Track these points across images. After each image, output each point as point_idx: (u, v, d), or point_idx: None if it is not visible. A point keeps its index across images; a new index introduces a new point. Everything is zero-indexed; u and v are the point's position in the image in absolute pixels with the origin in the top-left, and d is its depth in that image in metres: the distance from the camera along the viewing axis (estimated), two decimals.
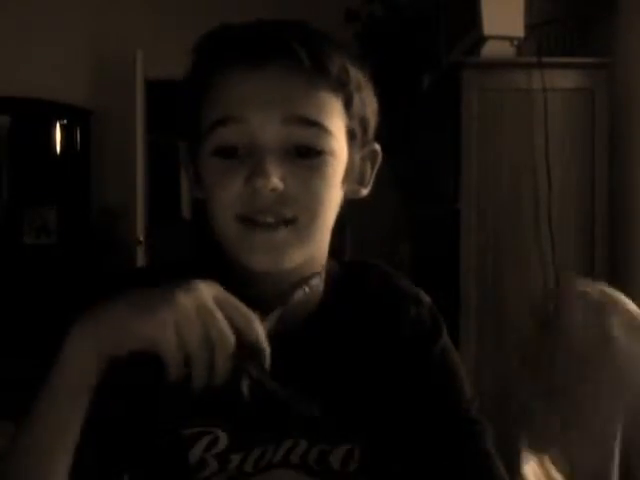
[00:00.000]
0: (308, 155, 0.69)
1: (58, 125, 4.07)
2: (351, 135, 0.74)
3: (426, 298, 0.83)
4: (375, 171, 0.79)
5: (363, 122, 0.75)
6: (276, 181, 0.67)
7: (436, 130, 2.41)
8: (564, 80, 2.11)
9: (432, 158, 2.46)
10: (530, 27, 2.16)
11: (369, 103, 0.75)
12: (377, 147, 0.79)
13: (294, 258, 0.71)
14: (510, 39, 2.12)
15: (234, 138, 0.69)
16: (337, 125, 0.71)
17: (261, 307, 0.68)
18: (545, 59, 2.08)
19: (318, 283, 0.75)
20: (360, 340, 0.77)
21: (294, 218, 0.69)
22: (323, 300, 0.77)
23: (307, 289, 0.73)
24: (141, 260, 3.69)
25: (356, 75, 0.73)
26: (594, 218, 2.12)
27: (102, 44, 4.17)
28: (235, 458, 0.72)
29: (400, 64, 2.88)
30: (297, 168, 0.69)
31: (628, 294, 2.16)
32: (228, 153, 0.70)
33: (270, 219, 0.69)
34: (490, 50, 2.13)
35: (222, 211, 0.70)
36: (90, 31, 4.15)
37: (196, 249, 0.81)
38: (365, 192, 0.79)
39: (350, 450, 0.74)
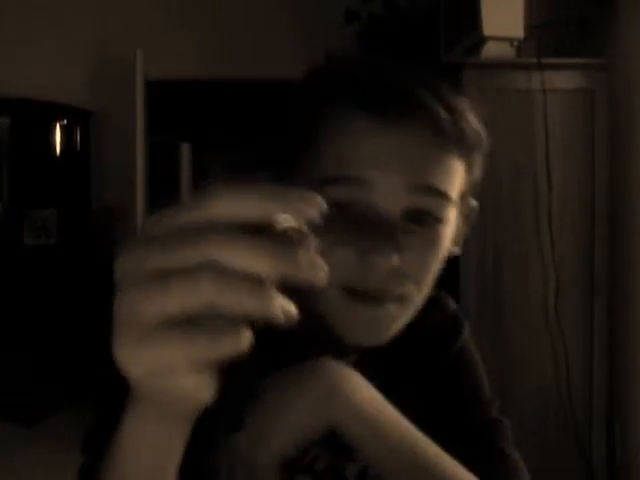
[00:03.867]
0: (424, 222, 0.63)
1: (58, 125, 4.06)
2: (461, 197, 0.68)
3: (451, 305, 0.83)
4: (468, 228, 0.73)
5: (474, 183, 0.70)
6: (396, 259, 0.61)
7: None
8: (564, 81, 2.11)
9: None
10: (530, 28, 2.16)
11: (482, 159, 0.70)
12: (475, 203, 0.73)
13: (395, 331, 0.66)
14: (510, 40, 2.13)
15: (349, 198, 0.61)
16: (457, 191, 0.66)
17: (328, 338, 0.65)
18: (545, 60, 2.08)
19: None
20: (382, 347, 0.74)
21: (403, 293, 0.64)
22: None
23: None
24: None
25: (479, 130, 0.67)
26: (594, 218, 2.12)
27: (102, 44, 4.16)
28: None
29: None
30: (414, 240, 0.63)
31: (628, 294, 2.17)
32: (336, 209, 0.61)
33: (380, 295, 0.63)
34: (490, 51, 2.13)
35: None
36: (90, 31, 4.15)
37: None
38: (457, 251, 0.72)
39: (364, 467, 0.73)
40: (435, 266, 0.66)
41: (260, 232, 0.34)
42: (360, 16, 3.19)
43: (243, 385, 0.40)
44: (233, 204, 0.34)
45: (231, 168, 3.82)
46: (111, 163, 4.19)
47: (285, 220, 0.35)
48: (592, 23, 2.34)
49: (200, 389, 0.37)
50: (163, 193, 4.16)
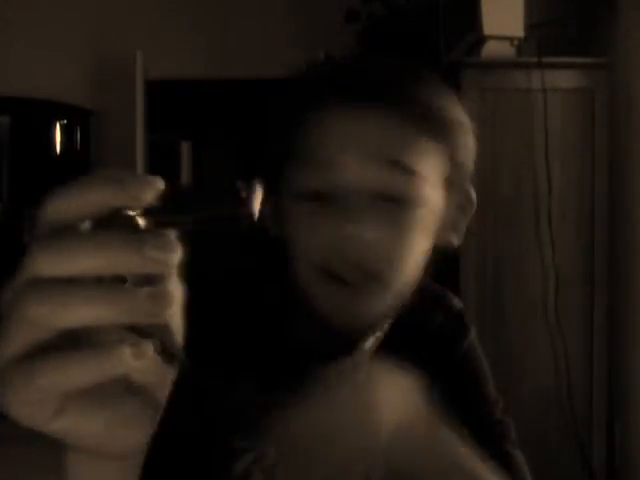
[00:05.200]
0: (399, 204, 0.64)
1: (58, 125, 4.06)
2: (448, 183, 0.69)
3: (457, 304, 0.84)
4: (469, 219, 0.73)
5: (462, 168, 0.70)
6: (369, 230, 0.62)
7: None
8: (564, 80, 2.11)
9: None
10: (530, 27, 2.16)
11: (469, 147, 0.70)
12: (473, 194, 0.73)
13: (374, 313, 0.67)
14: (510, 39, 2.12)
15: (324, 181, 0.64)
16: (435, 173, 0.66)
17: (325, 341, 0.66)
18: (545, 59, 2.08)
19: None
20: (387, 345, 0.75)
21: (379, 272, 0.65)
22: None
23: (379, 333, 0.71)
24: None
25: (460, 118, 0.68)
26: (594, 218, 2.11)
27: (102, 44, 4.16)
28: (280, 474, 0.69)
29: None
30: (388, 218, 0.64)
31: (628, 294, 2.17)
32: (314, 196, 0.64)
33: (356, 274, 0.64)
34: (490, 50, 2.13)
35: (303, 258, 0.65)
36: (90, 31, 4.15)
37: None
38: (457, 242, 0.73)
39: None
40: (414, 248, 0.66)
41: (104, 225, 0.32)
42: (360, 16, 3.19)
43: (241, 404, 0.37)
44: (65, 202, 0.31)
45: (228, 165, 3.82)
46: (111, 163, 4.19)
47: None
48: (592, 22, 2.34)
49: (109, 428, 0.33)
50: None
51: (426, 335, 0.76)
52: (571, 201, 2.12)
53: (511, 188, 2.11)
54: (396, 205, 0.64)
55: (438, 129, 0.65)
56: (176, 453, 0.66)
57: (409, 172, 0.64)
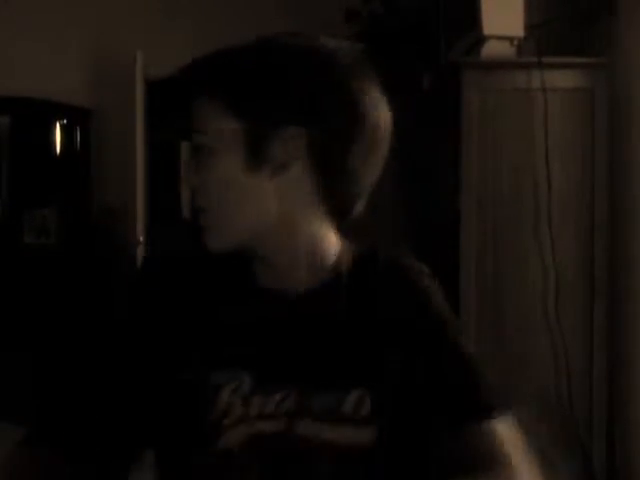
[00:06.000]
0: (203, 154, 0.83)
1: (58, 125, 4.06)
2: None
3: (427, 269, 0.93)
4: (299, 151, 0.81)
5: (253, 116, 0.82)
6: (190, 177, 0.85)
7: (436, 130, 2.41)
8: (564, 80, 2.11)
9: (432, 158, 2.46)
10: (530, 27, 2.16)
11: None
12: (293, 129, 0.80)
13: (223, 241, 0.84)
14: (510, 39, 2.13)
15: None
16: (229, 132, 0.82)
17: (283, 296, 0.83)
18: (545, 59, 2.08)
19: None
20: (372, 304, 0.87)
21: (204, 207, 0.84)
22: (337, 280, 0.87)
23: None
24: (141, 260, 3.69)
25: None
26: (594, 218, 2.12)
27: (102, 44, 4.16)
28: (257, 401, 0.80)
29: (400, 64, 2.88)
30: (199, 166, 0.84)
31: (628, 294, 2.17)
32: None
33: (197, 212, 0.85)
34: (490, 50, 2.13)
35: None
36: (90, 31, 4.15)
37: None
38: (291, 171, 0.81)
39: (361, 396, 0.82)
40: (219, 189, 0.83)
41: None
42: (360, 16, 3.19)
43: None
44: None
45: None
46: (111, 163, 4.19)
47: None
48: (591, 22, 2.34)
49: None
50: (163, 193, 4.15)
51: (406, 296, 0.87)
52: (571, 201, 2.12)
53: (511, 188, 2.11)
54: (202, 154, 0.83)
55: (240, 105, 0.82)
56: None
57: (203, 132, 0.84)
